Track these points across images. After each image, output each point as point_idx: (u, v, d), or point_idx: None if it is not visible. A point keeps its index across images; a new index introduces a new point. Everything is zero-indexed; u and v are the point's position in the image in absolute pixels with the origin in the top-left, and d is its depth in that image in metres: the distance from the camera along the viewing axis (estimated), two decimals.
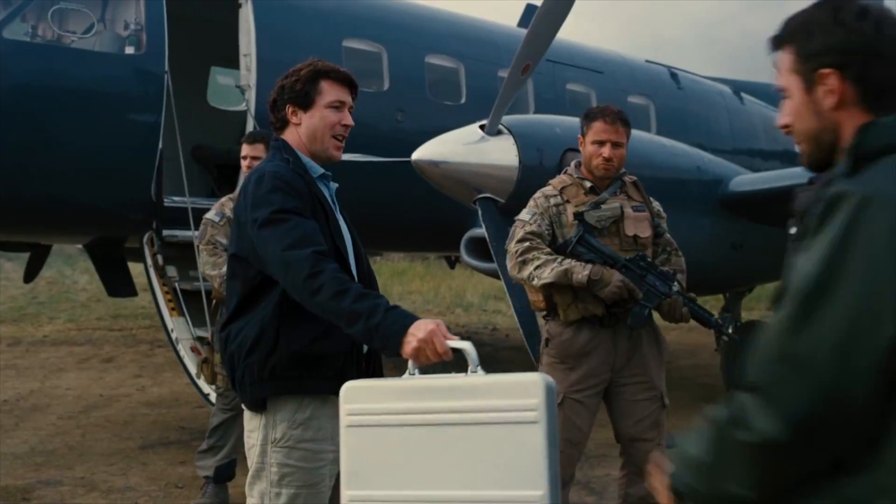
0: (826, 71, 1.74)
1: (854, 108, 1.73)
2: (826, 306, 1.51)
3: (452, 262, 14.78)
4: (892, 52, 1.70)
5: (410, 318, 2.87)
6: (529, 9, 13.03)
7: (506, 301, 18.83)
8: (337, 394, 3.23)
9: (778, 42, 1.84)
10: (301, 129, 3.37)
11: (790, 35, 1.82)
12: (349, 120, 3.42)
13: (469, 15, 11.35)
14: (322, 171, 3.42)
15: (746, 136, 13.60)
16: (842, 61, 1.72)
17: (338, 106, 3.39)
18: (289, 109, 3.37)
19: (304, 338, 3.16)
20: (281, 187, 3.16)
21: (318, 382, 3.19)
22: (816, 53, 1.75)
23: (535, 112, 10.48)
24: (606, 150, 4.74)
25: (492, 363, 12.32)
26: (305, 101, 3.36)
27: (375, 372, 3.46)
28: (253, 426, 3.29)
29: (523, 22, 12.84)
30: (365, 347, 3.33)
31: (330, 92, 3.38)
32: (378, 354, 3.46)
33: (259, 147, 5.95)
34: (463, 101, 10.34)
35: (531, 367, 10.65)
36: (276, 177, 3.19)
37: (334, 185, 3.50)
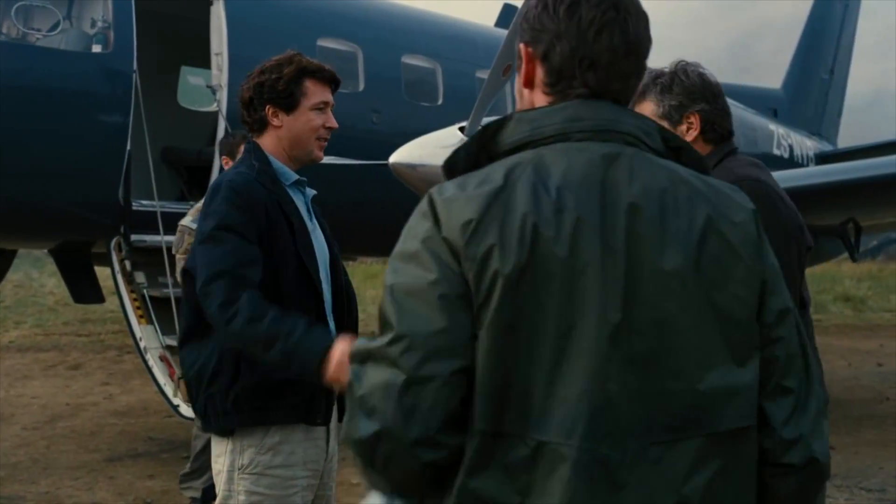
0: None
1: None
2: None
3: None
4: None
5: (331, 339, 2.76)
6: (507, 9, 12.89)
7: None
8: (308, 421, 3.06)
9: None
10: (283, 133, 3.17)
11: None
12: (333, 122, 3.23)
13: (446, 14, 11.16)
14: (296, 177, 3.21)
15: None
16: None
17: (322, 108, 3.19)
18: (269, 110, 3.15)
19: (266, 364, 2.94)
20: (232, 200, 2.97)
21: (286, 412, 3.01)
22: None
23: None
24: None
25: None
26: (289, 103, 3.15)
27: None
28: (219, 451, 3.09)
29: (501, 22, 12.70)
30: None
31: (315, 93, 3.18)
32: None
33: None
34: (440, 102, 10.21)
35: None
36: (231, 188, 3.00)
37: (311, 192, 3.28)
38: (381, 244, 11.05)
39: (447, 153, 6.07)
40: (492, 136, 1.71)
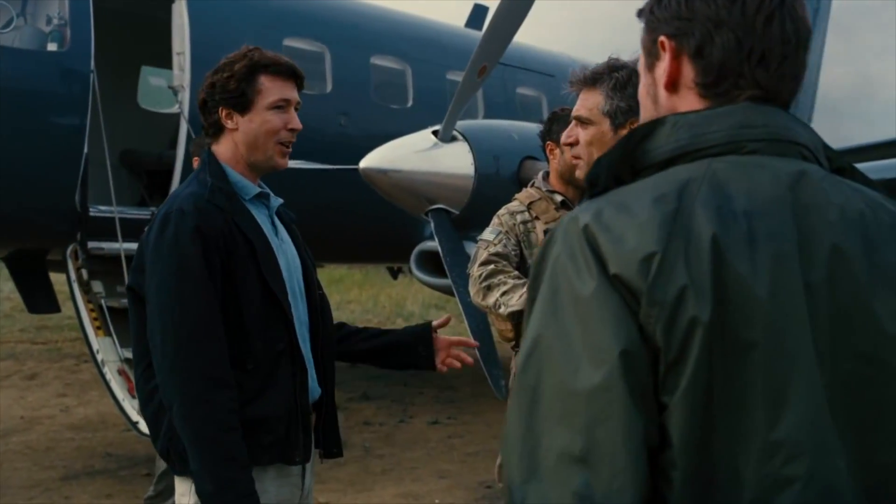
0: None
1: None
2: None
3: (395, 273, 14.28)
4: None
5: None
6: (477, 9, 12.67)
7: (447, 310, 18.53)
8: (285, 460, 2.81)
9: None
10: (238, 137, 2.83)
11: None
12: (296, 122, 2.87)
13: (416, 14, 10.93)
14: (258, 190, 2.90)
15: None
16: None
17: (282, 106, 2.84)
18: (222, 112, 2.82)
19: None
20: (184, 241, 2.64)
21: (257, 453, 2.71)
22: None
23: (485, 117, 10.11)
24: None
25: (436, 378, 11.91)
26: (242, 103, 2.81)
27: (329, 432, 3.00)
28: (183, 489, 2.79)
29: (471, 23, 12.47)
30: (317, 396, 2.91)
31: (272, 90, 2.83)
32: (333, 411, 3.02)
33: None
34: (410, 104, 10.00)
35: (477, 382, 10.31)
36: (183, 219, 2.67)
37: (277, 202, 2.98)
38: (350, 251, 10.95)
39: (420, 157, 5.86)
40: (638, 144, 1.41)
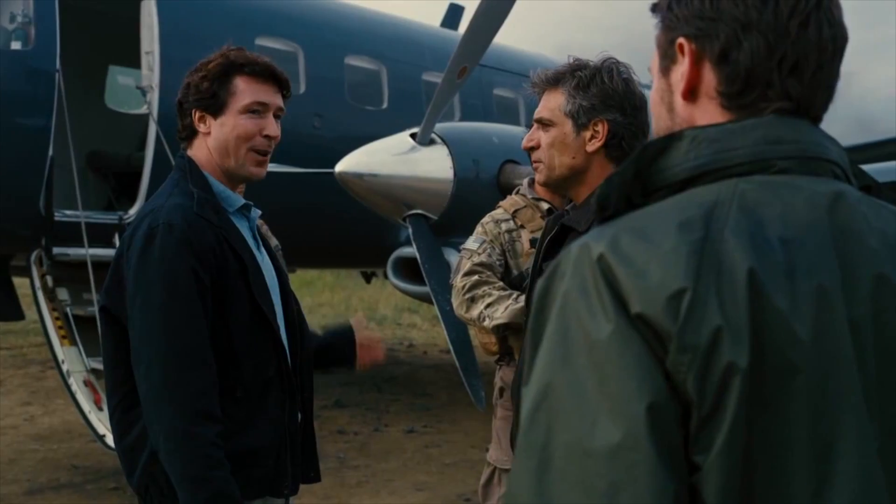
0: None
1: None
2: None
3: (369, 277, 14.08)
4: None
5: None
6: (453, 8, 12.54)
7: (420, 314, 18.40)
8: (271, 493, 2.63)
9: None
10: (210, 142, 2.63)
11: None
12: (273, 129, 2.65)
13: (391, 14, 10.76)
14: (242, 202, 2.69)
15: None
16: None
17: (257, 110, 2.62)
18: (195, 115, 2.61)
19: None
20: (172, 258, 2.44)
21: (246, 487, 2.51)
22: None
23: (462, 119, 9.95)
24: None
25: (411, 385, 11.75)
26: (215, 105, 2.59)
27: (307, 456, 2.83)
28: None
29: (447, 22, 12.32)
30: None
31: (246, 92, 2.61)
32: (311, 434, 2.86)
33: None
34: (385, 105, 9.83)
35: (453, 388, 10.14)
36: (171, 233, 2.45)
37: (256, 214, 2.78)
38: (323, 256, 10.76)
39: (398, 161, 5.68)
40: (652, 161, 1.24)
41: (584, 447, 1.06)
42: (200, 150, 2.65)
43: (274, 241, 4.59)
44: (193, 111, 2.62)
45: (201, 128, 2.63)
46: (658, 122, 1.35)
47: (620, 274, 1.10)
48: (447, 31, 11.80)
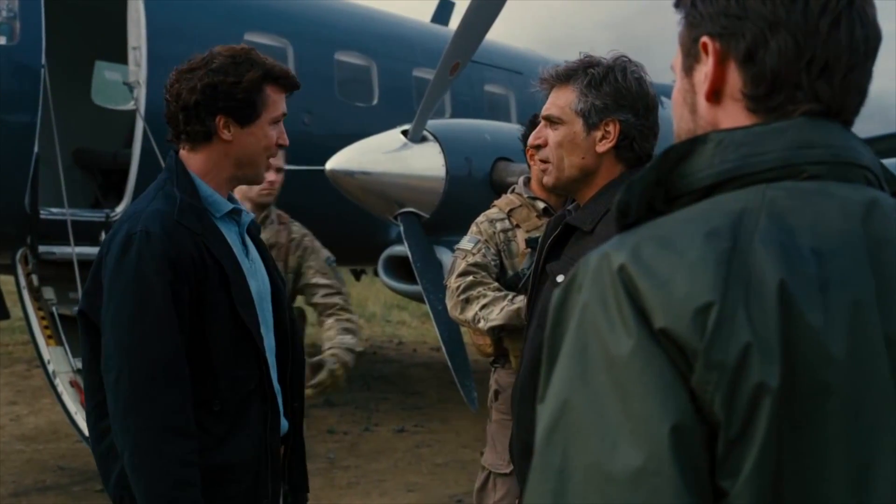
0: None
1: None
2: None
3: (358, 274, 13.99)
4: None
5: None
6: (443, 4, 12.45)
7: (410, 311, 18.31)
8: None
9: None
10: (232, 150, 2.53)
11: None
12: (286, 138, 2.62)
13: (381, 9, 10.68)
14: (231, 206, 2.60)
15: (666, 142, 13.22)
16: None
17: (279, 120, 2.58)
18: (220, 121, 2.49)
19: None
20: (148, 269, 2.36)
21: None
22: None
23: (453, 116, 9.87)
24: None
25: (401, 383, 11.67)
26: (248, 115, 2.50)
27: (296, 468, 2.75)
28: None
29: (437, 17, 12.24)
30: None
31: (277, 103, 2.56)
32: (300, 445, 2.78)
33: None
34: (375, 101, 9.73)
35: (443, 387, 10.06)
36: (149, 241, 2.37)
37: (248, 218, 2.68)
38: None
39: (389, 159, 5.60)
40: (675, 165, 1.17)
41: (604, 471, 1.01)
42: (209, 154, 2.56)
43: (325, 254, 4.56)
44: (218, 116, 2.51)
45: (224, 134, 2.52)
46: (680, 124, 1.29)
47: (643, 286, 1.05)
48: (438, 27, 11.73)
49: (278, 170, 4.44)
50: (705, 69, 1.22)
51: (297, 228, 4.88)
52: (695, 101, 1.25)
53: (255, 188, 4.26)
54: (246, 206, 3.53)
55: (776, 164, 1.14)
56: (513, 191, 4.30)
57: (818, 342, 1.02)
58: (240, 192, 3.78)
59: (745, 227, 1.07)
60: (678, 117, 1.30)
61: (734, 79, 1.20)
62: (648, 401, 1.01)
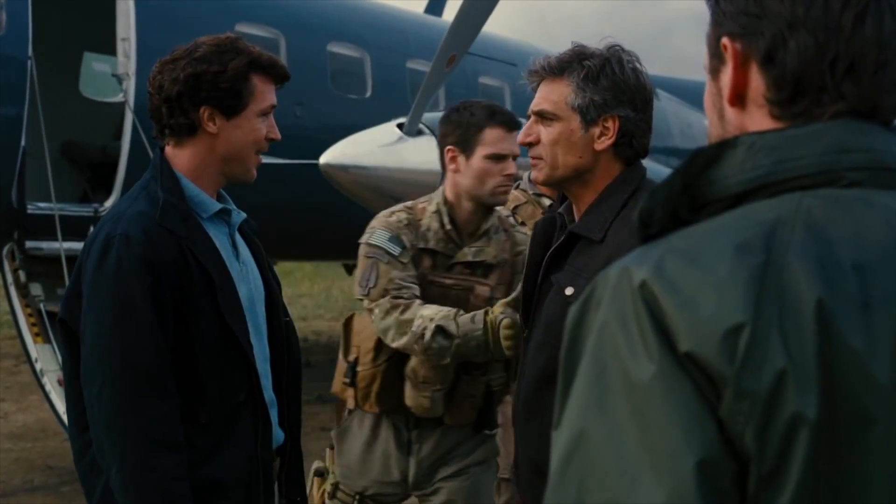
0: None
1: None
2: None
3: (350, 268, 13.89)
4: None
5: None
6: None
7: None
8: None
9: None
10: (218, 143, 2.41)
11: None
12: (277, 131, 2.49)
13: (375, 0, 10.59)
14: (219, 206, 2.48)
15: (658, 135, 13.15)
16: None
17: (268, 112, 2.45)
18: (204, 113, 2.37)
19: None
20: (128, 274, 2.24)
21: None
22: None
23: (446, 108, 9.78)
24: None
25: None
26: (233, 106, 2.38)
27: (293, 479, 2.64)
28: None
29: (431, 9, 12.15)
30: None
31: (265, 94, 2.44)
32: (298, 455, 2.66)
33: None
34: (368, 94, 9.66)
35: None
36: (127, 250, 2.26)
37: (239, 218, 2.55)
38: (306, 250, 10.57)
39: (385, 153, 5.34)
40: (702, 170, 1.07)
41: None
42: (195, 148, 2.43)
43: None
44: (202, 108, 2.38)
45: (209, 127, 2.40)
46: (710, 130, 1.21)
47: (666, 304, 0.96)
48: (432, 18, 11.66)
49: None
50: (729, 72, 1.14)
51: (523, 238, 3.50)
52: (722, 105, 1.17)
53: (489, 185, 3.34)
54: (467, 208, 3.31)
55: (813, 169, 1.05)
56: (517, 187, 4.17)
57: (860, 367, 0.93)
58: (468, 192, 3.35)
59: (779, 239, 0.99)
60: (709, 122, 1.22)
61: (757, 82, 1.12)
62: (672, 432, 0.92)
